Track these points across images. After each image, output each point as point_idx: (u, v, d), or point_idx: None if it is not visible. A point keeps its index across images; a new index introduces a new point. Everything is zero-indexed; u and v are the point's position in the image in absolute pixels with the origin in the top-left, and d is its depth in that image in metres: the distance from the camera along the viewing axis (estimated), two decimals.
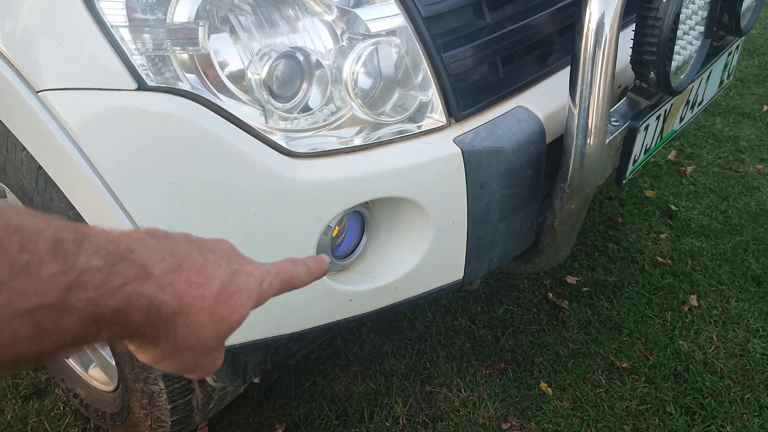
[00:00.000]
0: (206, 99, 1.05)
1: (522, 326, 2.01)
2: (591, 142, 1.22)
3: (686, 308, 2.05)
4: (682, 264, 2.23)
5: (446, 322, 2.03)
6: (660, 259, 2.25)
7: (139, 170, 1.04)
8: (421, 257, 1.26)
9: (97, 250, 0.40)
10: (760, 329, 1.97)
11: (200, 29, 1.04)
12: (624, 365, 1.86)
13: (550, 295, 2.11)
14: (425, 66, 1.18)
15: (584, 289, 2.13)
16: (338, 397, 1.81)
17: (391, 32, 1.15)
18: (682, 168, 2.80)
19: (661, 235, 2.38)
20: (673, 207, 2.53)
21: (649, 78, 1.25)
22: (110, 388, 1.63)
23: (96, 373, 1.70)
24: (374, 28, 1.13)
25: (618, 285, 2.14)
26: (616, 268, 2.22)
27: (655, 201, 2.58)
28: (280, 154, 1.09)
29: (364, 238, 1.26)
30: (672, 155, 2.91)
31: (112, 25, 1.01)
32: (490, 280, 2.18)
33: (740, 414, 1.71)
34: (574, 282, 2.15)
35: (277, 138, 1.10)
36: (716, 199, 2.59)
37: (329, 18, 1.13)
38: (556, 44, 1.44)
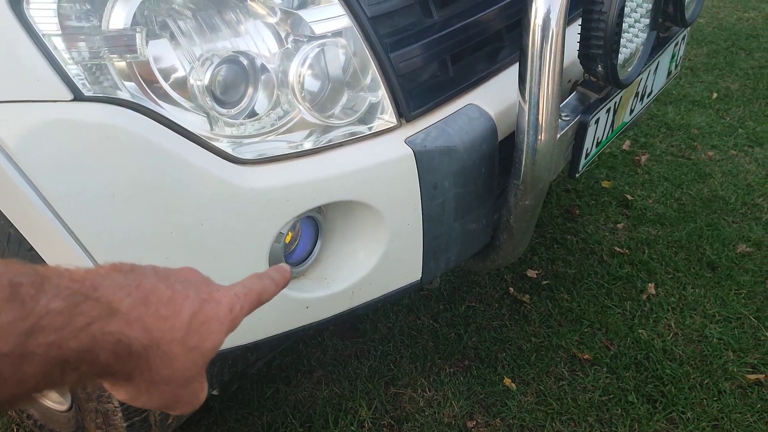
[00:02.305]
0: (147, 108, 1.01)
1: (484, 322, 2.01)
2: (542, 138, 1.22)
3: (644, 297, 2.07)
4: (640, 253, 2.26)
5: (409, 322, 2.02)
6: (618, 249, 2.28)
7: (79, 184, 1.00)
8: (377, 260, 1.25)
9: (58, 291, 0.39)
10: (716, 314, 2.00)
11: (137, 35, 1.00)
12: (586, 356, 1.87)
13: (512, 289, 2.11)
14: (373, 67, 1.16)
15: (545, 282, 2.14)
16: (302, 404, 1.78)
17: (336, 33, 1.13)
18: (637, 157, 2.84)
19: (618, 225, 2.41)
20: (629, 196, 2.57)
21: (597, 71, 1.25)
22: (64, 407, 1.57)
23: (49, 392, 1.64)
24: (319, 29, 1.10)
25: (577, 276, 2.16)
26: (575, 260, 2.24)
27: (611, 191, 2.61)
28: (227, 162, 1.07)
29: (319, 243, 1.24)
30: (626, 145, 2.95)
31: (43, 34, 0.96)
32: (451, 277, 2.18)
33: (700, 399, 1.74)
34: (535, 276, 2.16)
35: (223, 145, 1.07)
36: (670, 187, 2.63)
37: (273, 20, 1.11)
38: (506, 40, 1.44)
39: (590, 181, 2.68)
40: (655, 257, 2.24)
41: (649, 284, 2.11)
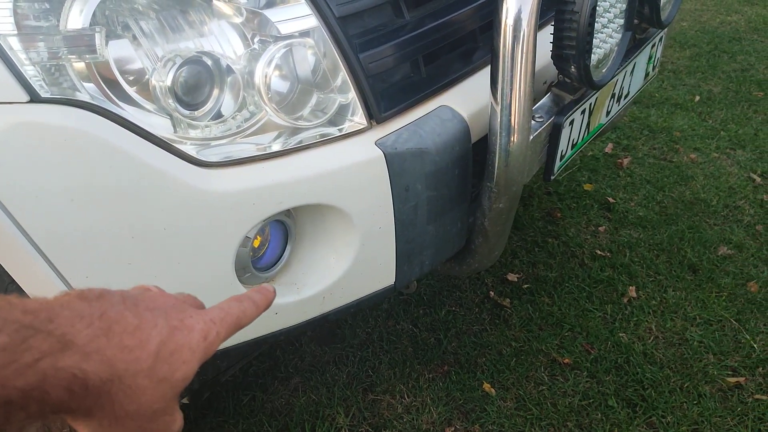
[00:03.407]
0: (106, 109, 0.99)
1: (465, 327, 1.99)
2: (515, 140, 1.20)
3: (625, 300, 2.06)
4: (621, 256, 2.25)
5: (388, 327, 2.00)
6: (599, 252, 2.26)
7: (36, 188, 0.97)
8: (348, 265, 1.22)
9: (4, 325, 0.36)
10: (697, 317, 1.99)
11: (97, 35, 0.98)
12: (566, 361, 1.85)
13: (492, 293, 2.09)
14: (342, 67, 1.14)
15: (525, 285, 2.13)
16: (278, 411, 1.75)
17: (304, 33, 1.11)
18: (619, 160, 2.83)
19: (599, 228, 2.40)
20: (610, 199, 2.56)
21: (571, 72, 1.24)
22: None
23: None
24: (285, 29, 1.08)
25: (558, 280, 2.14)
26: (556, 263, 2.22)
27: (593, 194, 2.60)
28: (190, 165, 1.04)
29: (288, 247, 1.22)
30: (609, 148, 2.94)
31: None
32: (432, 281, 2.16)
33: (680, 403, 1.72)
34: (515, 279, 2.15)
35: (187, 147, 1.05)
36: (652, 190, 2.63)
37: (238, 20, 1.08)
38: (480, 41, 1.42)
39: (572, 184, 2.67)
40: (637, 260, 2.23)
41: (630, 287, 2.10)
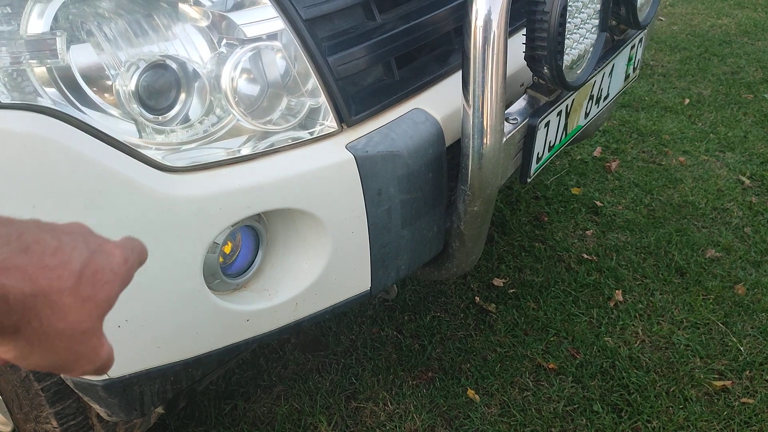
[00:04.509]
0: (69, 115, 0.98)
1: (449, 333, 1.97)
2: (487, 142, 1.19)
3: (612, 304, 2.04)
4: (608, 259, 2.23)
5: (373, 334, 1.98)
6: (586, 256, 2.25)
7: None
8: (321, 270, 1.21)
9: None
10: (684, 320, 1.97)
11: (57, 40, 0.97)
12: (551, 366, 1.83)
13: (477, 299, 2.07)
14: (311, 70, 1.13)
15: (511, 290, 2.11)
16: (260, 420, 1.73)
17: (271, 36, 1.10)
18: (608, 164, 2.82)
19: (587, 232, 2.38)
20: (598, 203, 2.54)
21: (544, 73, 1.23)
22: (8, 429, 1.52)
23: None
24: (250, 32, 1.07)
25: (545, 285, 2.13)
26: (542, 268, 2.20)
27: (581, 198, 2.59)
28: (155, 170, 1.03)
29: (260, 253, 1.20)
30: (597, 152, 2.93)
31: None
32: (417, 287, 2.14)
33: (665, 408, 1.70)
34: (501, 284, 2.13)
35: (152, 153, 1.04)
36: (641, 193, 2.61)
37: (204, 24, 1.07)
38: (456, 43, 1.41)
39: (560, 188, 2.66)
40: (624, 264, 2.21)
41: (617, 291, 2.08)
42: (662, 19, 4.63)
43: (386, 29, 1.24)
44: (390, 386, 1.81)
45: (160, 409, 1.38)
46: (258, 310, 1.18)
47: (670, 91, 3.53)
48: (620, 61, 1.58)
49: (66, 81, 0.98)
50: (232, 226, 1.09)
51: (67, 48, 0.98)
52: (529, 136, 1.30)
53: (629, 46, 1.60)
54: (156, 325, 1.11)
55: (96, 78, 1.00)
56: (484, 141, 1.19)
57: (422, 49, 1.38)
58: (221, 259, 1.15)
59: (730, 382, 1.76)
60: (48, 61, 0.97)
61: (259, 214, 1.13)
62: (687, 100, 3.40)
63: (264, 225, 1.18)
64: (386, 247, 1.27)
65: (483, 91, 1.16)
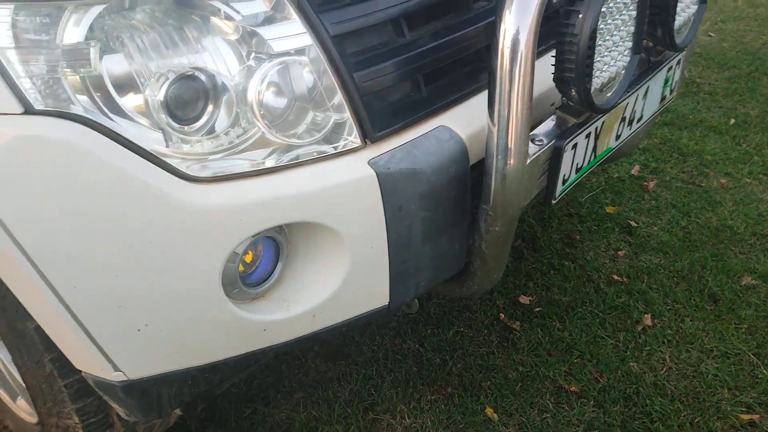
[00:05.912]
0: (98, 122, 1.00)
1: (472, 349, 1.95)
2: (511, 162, 1.18)
3: (640, 328, 2.00)
4: (639, 282, 2.19)
5: (395, 346, 1.98)
6: (616, 278, 2.21)
7: (25, 198, 0.99)
8: (339, 283, 1.21)
9: None
10: (714, 349, 1.92)
11: (92, 49, 1.00)
12: (573, 388, 1.81)
13: (502, 316, 2.06)
14: (336, 86, 1.14)
15: (537, 309, 2.09)
16: (278, 426, 1.75)
17: (299, 51, 1.11)
18: (645, 183, 2.77)
19: (619, 252, 2.34)
20: (633, 223, 2.50)
21: (572, 96, 1.21)
22: (35, 420, 1.57)
23: (23, 404, 1.64)
24: (278, 47, 1.08)
25: (572, 305, 2.10)
26: (571, 287, 2.17)
27: (615, 217, 2.54)
28: (180, 179, 1.05)
29: (280, 264, 1.21)
30: (636, 170, 2.88)
31: None
32: (442, 301, 2.13)
33: None
34: (528, 302, 2.11)
35: (177, 162, 1.06)
36: (677, 215, 2.56)
37: (234, 37, 1.09)
38: (485, 61, 1.41)
39: (594, 206, 2.62)
40: (655, 287, 2.17)
41: (646, 315, 2.04)
42: (712, 35, 4.52)
43: (415, 46, 1.25)
44: (408, 399, 1.80)
45: (178, 411, 1.41)
46: (276, 320, 1.20)
47: (716, 110, 3.44)
48: (656, 84, 1.55)
49: (97, 89, 1.01)
50: (253, 237, 1.10)
51: (100, 58, 1.01)
52: (554, 158, 1.29)
53: (666, 68, 1.57)
54: (174, 331, 1.13)
55: (126, 87, 1.03)
56: (508, 161, 1.18)
57: (453, 65, 1.37)
58: (241, 268, 1.17)
59: (758, 416, 1.71)
60: (82, 69, 1.00)
61: (281, 225, 1.15)
62: (732, 120, 3.31)
63: (285, 236, 1.20)
64: (406, 263, 1.27)
65: (508, 112, 1.15)
